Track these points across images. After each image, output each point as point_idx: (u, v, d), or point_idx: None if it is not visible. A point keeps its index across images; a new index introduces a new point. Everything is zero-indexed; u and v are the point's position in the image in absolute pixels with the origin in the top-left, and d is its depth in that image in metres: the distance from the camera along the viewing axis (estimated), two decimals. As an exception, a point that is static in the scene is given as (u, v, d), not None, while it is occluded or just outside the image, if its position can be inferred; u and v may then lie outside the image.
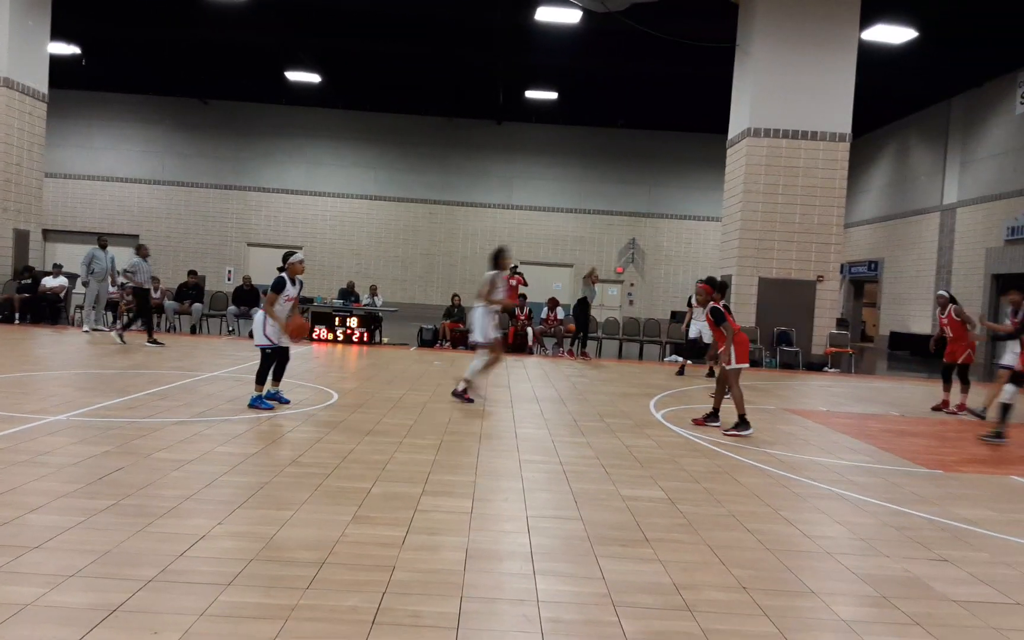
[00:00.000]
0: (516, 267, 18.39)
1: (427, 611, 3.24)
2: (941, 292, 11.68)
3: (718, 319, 8.13)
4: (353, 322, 16.55)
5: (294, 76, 24.64)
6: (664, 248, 30.97)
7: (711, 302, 8.32)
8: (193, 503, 4.53)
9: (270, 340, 7.73)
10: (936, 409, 10.96)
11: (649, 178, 30.82)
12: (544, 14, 17.71)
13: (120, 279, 15.77)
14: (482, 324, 9.07)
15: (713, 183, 27.64)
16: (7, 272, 17.92)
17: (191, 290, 17.74)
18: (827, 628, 3.32)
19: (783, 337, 17.58)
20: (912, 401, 12.38)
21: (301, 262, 8.01)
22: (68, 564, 3.50)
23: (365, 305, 18.59)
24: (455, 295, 18.89)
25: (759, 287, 17.65)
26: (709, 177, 28.69)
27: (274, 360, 7.87)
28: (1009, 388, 8.29)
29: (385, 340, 17.37)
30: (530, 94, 25.41)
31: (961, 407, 10.72)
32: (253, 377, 8.00)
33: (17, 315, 16.80)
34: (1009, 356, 10.46)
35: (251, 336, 8.26)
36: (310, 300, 18.97)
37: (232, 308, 17.60)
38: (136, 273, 13.59)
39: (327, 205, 30.28)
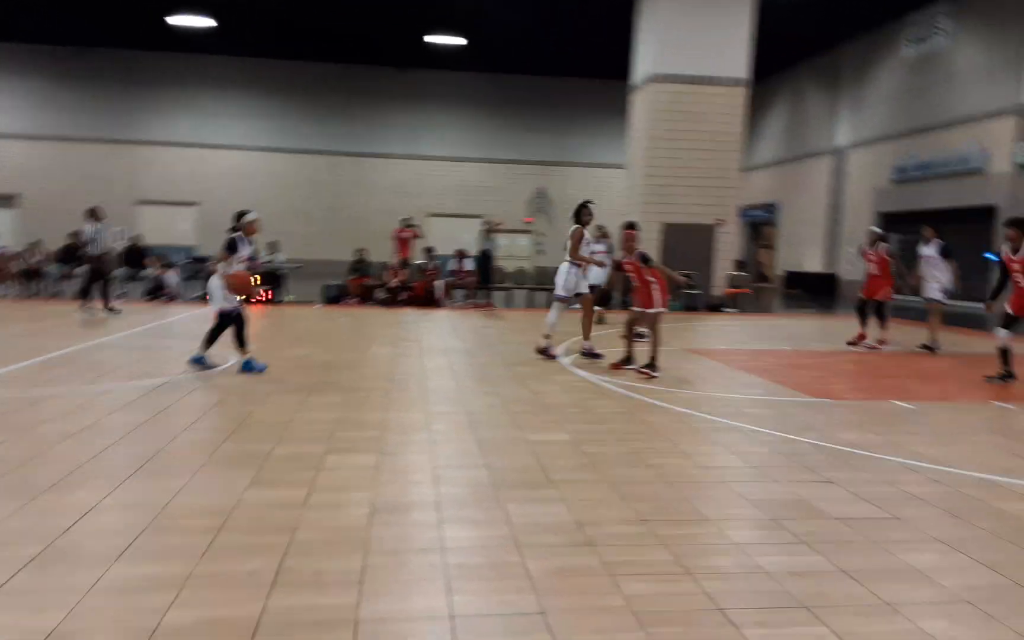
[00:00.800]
0: (410, 220, 18.11)
1: (330, 568, 3.20)
2: (872, 228, 12.08)
3: (647, 262, 8.32)
4: (254, 280, 15.98)
5: (180, 21, 23.23)
6: (572, 196, 31.16)
7: (637, 248, 8.52)
8: (79, 476, 4.30)
9: (230, 303, 7.45)
10: (852, 343, 11.26)
11: (556, 126, 30.83)
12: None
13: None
14: (565, 279, 9.12)
15: (619, 130, 27.96)
16: None
17: (75, 253, 16.71)
18: (720, 552, 3.47)
19: (686, 280, 18.08)
20: (804, 336, 13.01)
21: (255, 222, 7.76)
22: (-62, 548, 3.27)
23: (264, 262, 18.01)
24: (361, 249, 18.52)
25: (663, 232, 18.04)
26: (615, 124, 28.97)
27: (231, 324, 7.55)
28: (1002, 332, 8.29)
29: (290, 298, 16.91)
30: (434, 39, 24.84)
31: (882, 341, 11.13)
32: (151, 342, 7.64)
33: None
34: (934, 288, 11.07)
35: (207, 299, 7.96)
36: (206, 259, 18.21)
37: (122, 270, 16.69)
38: (96, 240, 12.67)
39: (222, 158, 28.96)
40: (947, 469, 4.89)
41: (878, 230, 11.92)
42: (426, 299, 16.46)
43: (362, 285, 17.06)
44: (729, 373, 8.72)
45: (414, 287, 16.64)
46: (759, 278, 31.40)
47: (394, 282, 16.58)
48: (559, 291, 9.27)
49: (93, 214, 12.95)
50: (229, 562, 3.23)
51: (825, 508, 4.09)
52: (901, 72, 23.09)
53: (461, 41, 24.97)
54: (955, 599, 3.04)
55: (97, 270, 12.81)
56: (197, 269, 17.50)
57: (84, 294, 12.60)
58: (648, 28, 18.08)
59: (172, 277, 16.26)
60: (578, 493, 4.22)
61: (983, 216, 19.87)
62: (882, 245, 11.38)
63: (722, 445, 5.42)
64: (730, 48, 17.76)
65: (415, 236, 17.43)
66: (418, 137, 30.13)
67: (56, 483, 4.15)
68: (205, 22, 23.33)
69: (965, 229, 20.73)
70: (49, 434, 5.18)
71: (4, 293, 13.29)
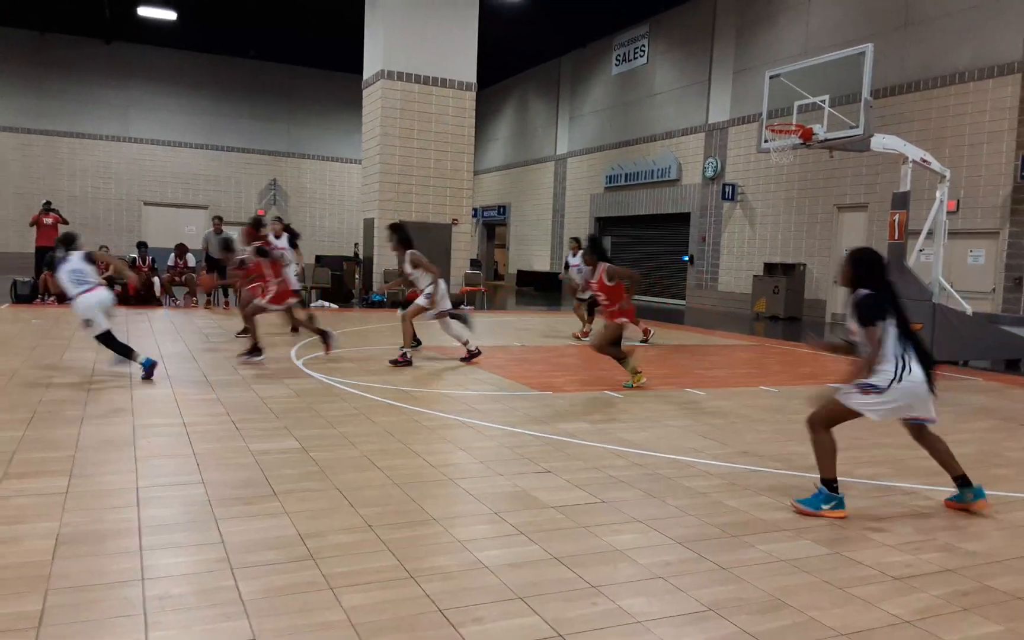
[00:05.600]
0: (50, 204, 16.51)
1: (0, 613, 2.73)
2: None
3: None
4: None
5: None
6: (308, 189, 30.21)
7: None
8: None
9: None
10: (579, 337, 12.28)
11: (289, 116, 29.65)
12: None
13: None
14: None
15: (355, 125, 27.61)
16: None
17: None
18: (444, 551, 3.51)
19: (422, 277, 18.35)
20: (532, 332, 13.82)
21: None
22: None
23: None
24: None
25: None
26: (350, 118, 28.55)
27: None
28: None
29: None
30: (144, 12, 22.56)
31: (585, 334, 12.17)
32: None
33: None
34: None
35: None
36: None
37: None
38: None
39: None
40: (646, 453, 5.43)
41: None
42: (143, 297, 14.93)
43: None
44: (462, 369, 8.97)
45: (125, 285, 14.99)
46: (494, 276, 32.89)
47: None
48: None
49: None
50: None
51: (542, 497, 4.33)
52: (611, 87, 25.47)
53: (171, 15, 22.91)
54: (651, 576, 3.36)
55: None
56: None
57: None
58: (376, 26, 18.05)
59: None
60: (302, 504, 4.04)
61: (681, 221, 22.62)
62: (604, 267, 12.38)
63: (452, 442, 5.54)
64: (459, 52, 18.32)
65: (57, 222, 15.85)
66: (128, 117, 27.27)
67: None
68: None
69: (665, 232, 23.49)
70: None
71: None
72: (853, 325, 4.12)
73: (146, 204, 26.91)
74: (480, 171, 32.08)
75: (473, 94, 18.66)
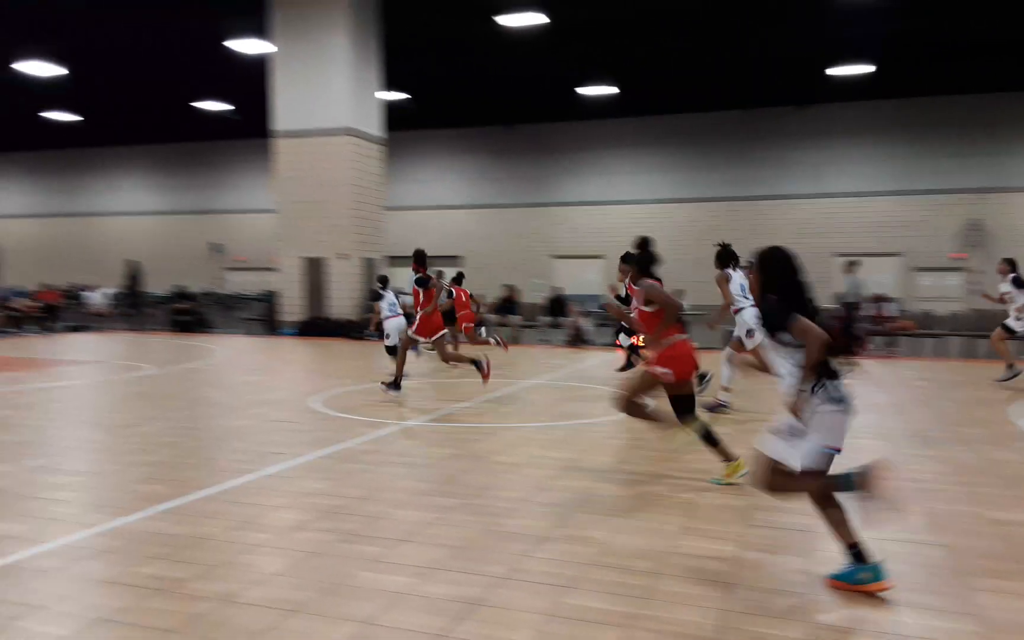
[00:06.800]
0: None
1: None
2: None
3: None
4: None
5: (588, 91, 25.42)
6: (1015, 227, 26.50)
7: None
8: (530, 506, 4.80)
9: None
10: None
11: (992, 147, 26.63)
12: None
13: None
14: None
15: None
16: (361, 296, 20.70)
17: (507, 304, 19.10)
18: None
19: None
20: None
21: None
22: (431, 557, 3.89)
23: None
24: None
25: None
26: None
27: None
28: None
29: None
30: (836, 71, 23.34)
31: None
32: (574, 385, 8.30)
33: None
34: None
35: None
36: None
37: (543, 318, 18.59)
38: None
39: (623, 213, 30.75)
40: None
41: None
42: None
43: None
44: None
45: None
46: None
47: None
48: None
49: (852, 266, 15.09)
50: (672, 606, 3.28)
51: None
52: None
53: (869, 68, 23.03)
54: None
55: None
56: (605, 317, 18.66)
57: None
58: None
59: (587, 324, 17.63)
60: (1076, 592, 3.43)
61: None
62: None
63: None
64: None
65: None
66: (822, 174, 28.50)
67: (511, 510, 4.68)
68: (608, 90, 25.20)
69: None
70: (500, 464, 5.90)
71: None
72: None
73: (841, 255, 27.68)
74: None
75: None
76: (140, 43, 20.64)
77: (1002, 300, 10.56)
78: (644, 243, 6.40)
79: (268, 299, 21.53)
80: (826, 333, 3.27)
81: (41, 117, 28.97)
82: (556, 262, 31.40)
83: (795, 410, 3.36)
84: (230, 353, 13.80)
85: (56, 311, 22.52)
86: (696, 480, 5.37)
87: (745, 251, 18.65)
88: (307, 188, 19.69)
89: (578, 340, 17.26)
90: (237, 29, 19.18)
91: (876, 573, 3.37)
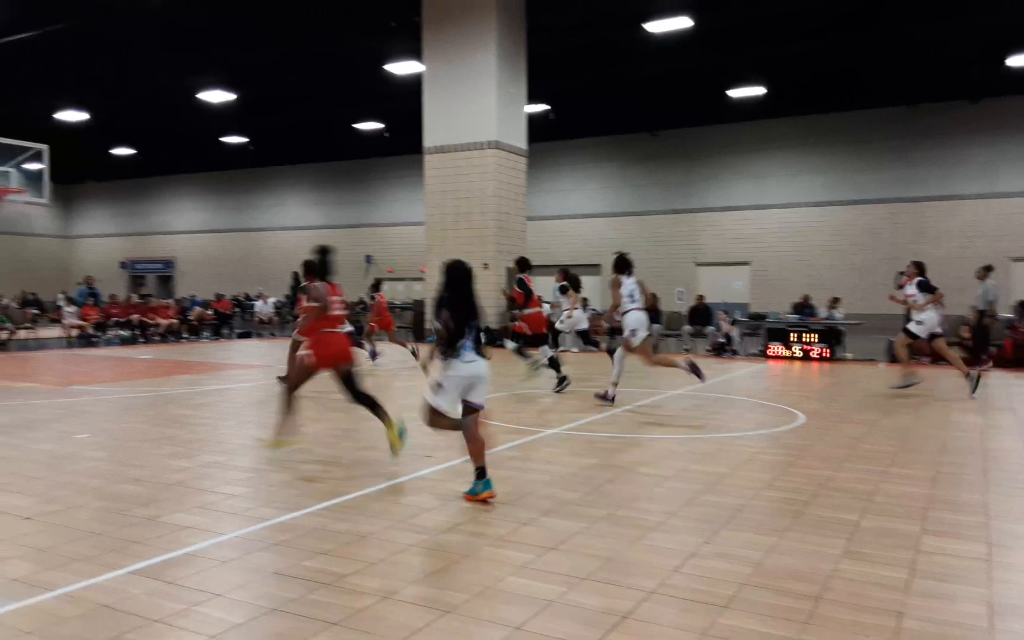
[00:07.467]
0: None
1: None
2: None
3: None
4: (811, 337, 15.80)
5: (736, 93, 24.63)
6: None
7: None
8: (678, 520, 4.71)
9: None
10: None
11: None
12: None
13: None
14: None
15: None
16: (502, 304, 21.11)
17: (649, 312, 18.82)
18: None
19: None
20: None
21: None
22: (580, 566, 3.90)
23: (824, 319, 17.55)
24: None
25: None
26: None
27: None
28: None
29: (848, 355, 16.15)
30: (1014, 62, 21.29)
31: None
32: (718, 395, 8.08)
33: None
34: None
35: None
36: (763, 316, 18.59)
37: (687, 327, 18.18)
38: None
39: (773, 217, 29.49)
40: None
41: None
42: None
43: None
44: None
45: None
46: None
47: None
48: None
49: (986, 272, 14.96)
50: (834, 636, 3.11)
51: None
52: None
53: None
54: None
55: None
56: (755, 325, 17.99)
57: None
58: None
59: (735, 333, 17.09)
60: None
61: None
62: None
63: None
64: None
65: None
66: (996, 173, 26.09)
67: (660, 523, 4.61)
68: (757, 91, 24.28)
69: None
70: (647, 476, 5.82)
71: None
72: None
73: (1013, 259, 25.22)
74: None
75: None
76: (304, 69, 22.13)
77: (905, 302, 10.57)
78: (323, 250, 7.16)
79: (416, 308, 22.37)
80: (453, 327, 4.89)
81: (218, 141, 31.66)
82: (700, 270, 30.61)
83: (432, 373, 5.07)
84: (382, 359, 14.47)
85: (228, 319, 24.53)
86: (860, 501, 5.07)
87: (909, 255, 17.34)
88: (454, 200, 20.33)
89: (723, 349, 16.75)
90: (395, 53, 20.14)
91: (487, 485, 4.96)
